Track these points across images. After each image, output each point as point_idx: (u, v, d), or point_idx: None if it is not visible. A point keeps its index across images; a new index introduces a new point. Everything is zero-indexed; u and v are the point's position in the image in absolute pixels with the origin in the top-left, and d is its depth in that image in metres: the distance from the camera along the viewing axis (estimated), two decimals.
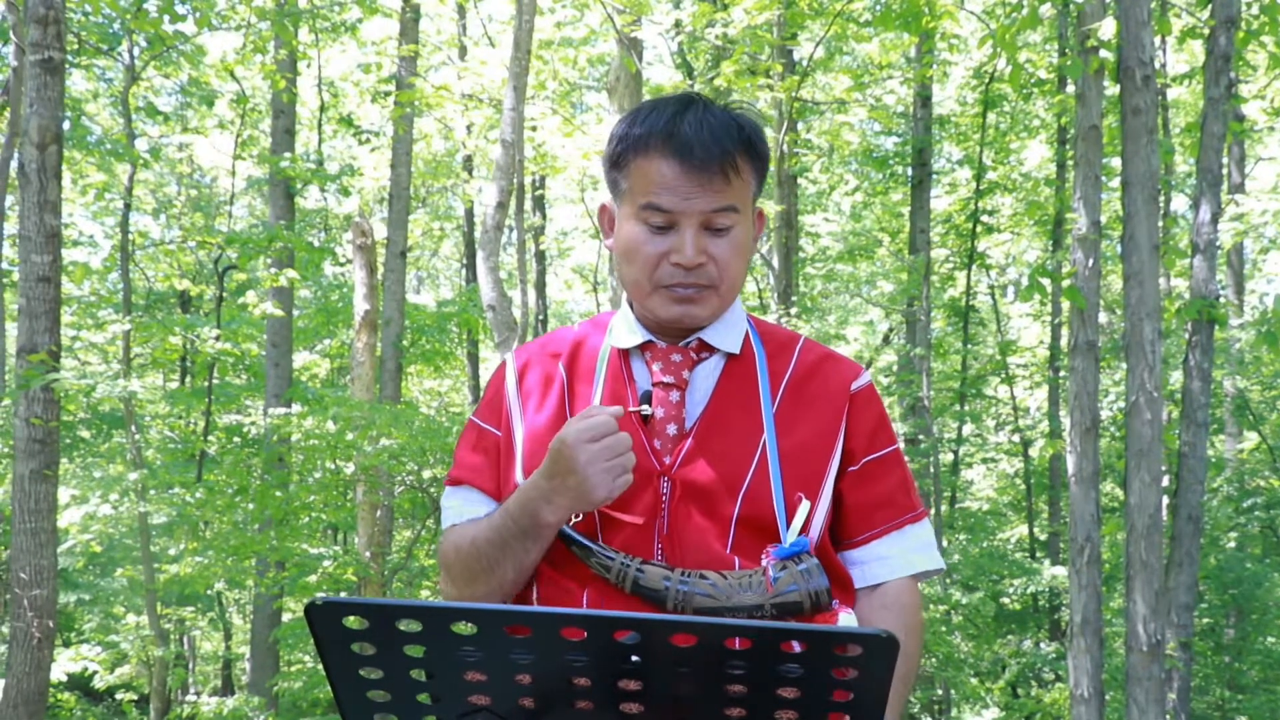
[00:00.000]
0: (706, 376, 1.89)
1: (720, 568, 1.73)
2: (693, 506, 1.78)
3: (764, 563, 1.73)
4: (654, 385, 1.87)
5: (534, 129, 9.66)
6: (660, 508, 1.78)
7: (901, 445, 1.98)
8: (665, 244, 1.82)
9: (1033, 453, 15.30)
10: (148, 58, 12.21)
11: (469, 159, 16.78)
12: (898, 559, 1.88)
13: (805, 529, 1.77)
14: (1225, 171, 10.85)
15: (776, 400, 1.87)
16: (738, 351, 1.91)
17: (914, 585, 1.90)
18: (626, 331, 1.94)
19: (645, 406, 1.84)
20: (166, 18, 8.56)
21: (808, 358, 1.94)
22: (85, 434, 15.28)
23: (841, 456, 1.87)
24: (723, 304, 1.88)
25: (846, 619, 1.74)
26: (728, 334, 1.91)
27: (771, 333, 1.98)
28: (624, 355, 1.93)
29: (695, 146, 1.78)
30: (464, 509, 1.96)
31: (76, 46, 11.89)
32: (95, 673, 12.10)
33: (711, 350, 1.91)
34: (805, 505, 1.78)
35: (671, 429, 1.83)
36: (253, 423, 14.57)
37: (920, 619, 1.89)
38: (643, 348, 1.92)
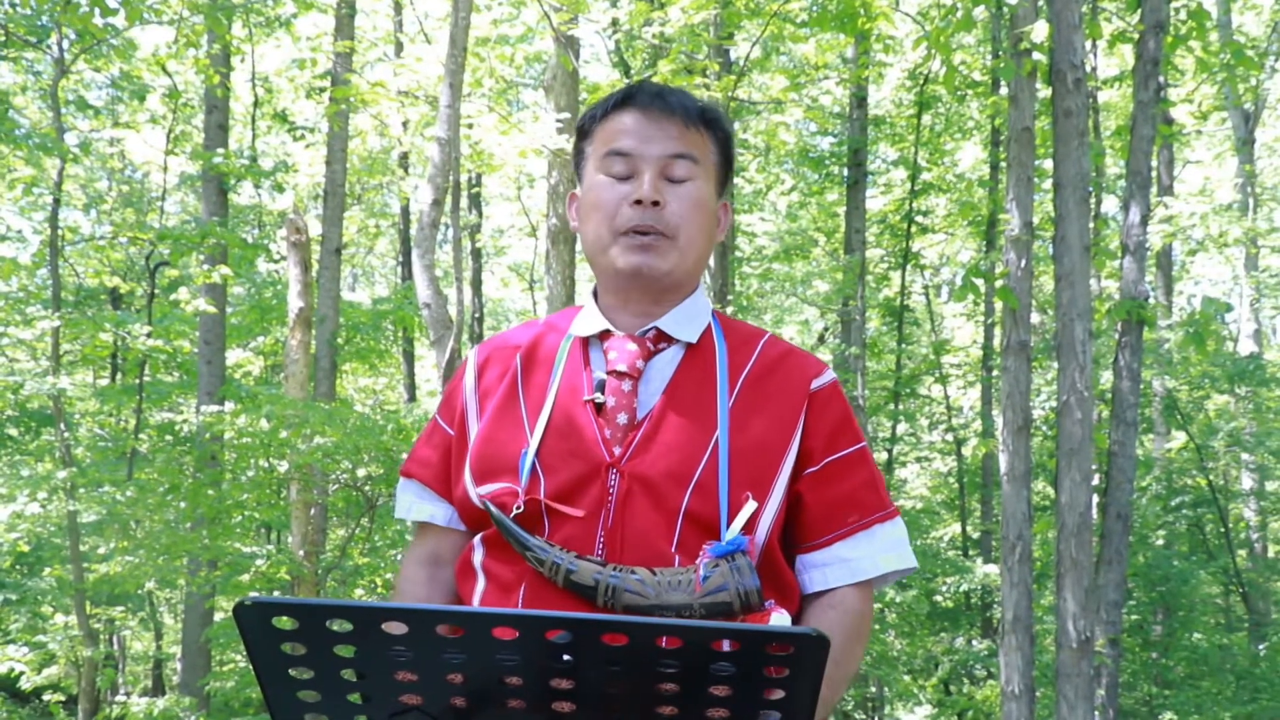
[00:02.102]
0: (663, 368, 1.88)
1: (661, 564, 1.72)
2: (640, 499, 1.76)
3: (698, 561, 1.70)
4: (607, 373, 1.86)
5: (470, 126, 9.61)
6: (607, 501, 1.76)
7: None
8: (626, 189, 1.86)
9: (966, 451, 15.43)
10: (77, 51, 12.03)
11: (405, 156, 16.70)
12: (864, 560, 1.85)
13: (750, 529, 1.75)
14: (1154, 174, 10.99)
15: (734, 395, 1.85)
16: (696, 341, 1.90)
17: (866, 591, 1.86)
18: (588, 320, 1.94)
19: (598, 395, 1.84)
20: (97, 11, 8.43)
21: (770, 353, 1.92)
22: (13, 431, 15.05)
23: (799, 457, 1.84)
24: (682, 260, 1.88)
25: (778, 619, 1.69)
26: (687, 324, 1.91)
27: (736, 328, 1.97)
28: (584, 343, 1.93)
29: (654, 100, 1.88)
30: (414, 505, 2.00)
31: (4, 39, 11.71)
32: (22, 673, 11.92)
33: (670, 341, 1.90)
34: (751, 505, 1.75)
35: (622, 418, 1.82)
36: (185, 420, 14.41)
37: (867, 626, 1.86)
38: (601, 336, 1.92)
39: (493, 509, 1.79)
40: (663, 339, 1.90)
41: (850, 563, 1.84)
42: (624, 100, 1.91)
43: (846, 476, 1.87)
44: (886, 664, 12.71)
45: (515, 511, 1.77)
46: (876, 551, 1.86)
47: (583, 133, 1.96)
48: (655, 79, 9.52)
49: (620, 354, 1.87)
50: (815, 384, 1.89)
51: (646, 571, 1.69)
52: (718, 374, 1.87)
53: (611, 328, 1.91)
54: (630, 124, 1.88)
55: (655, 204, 1.84)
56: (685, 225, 1.87)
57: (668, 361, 1.89)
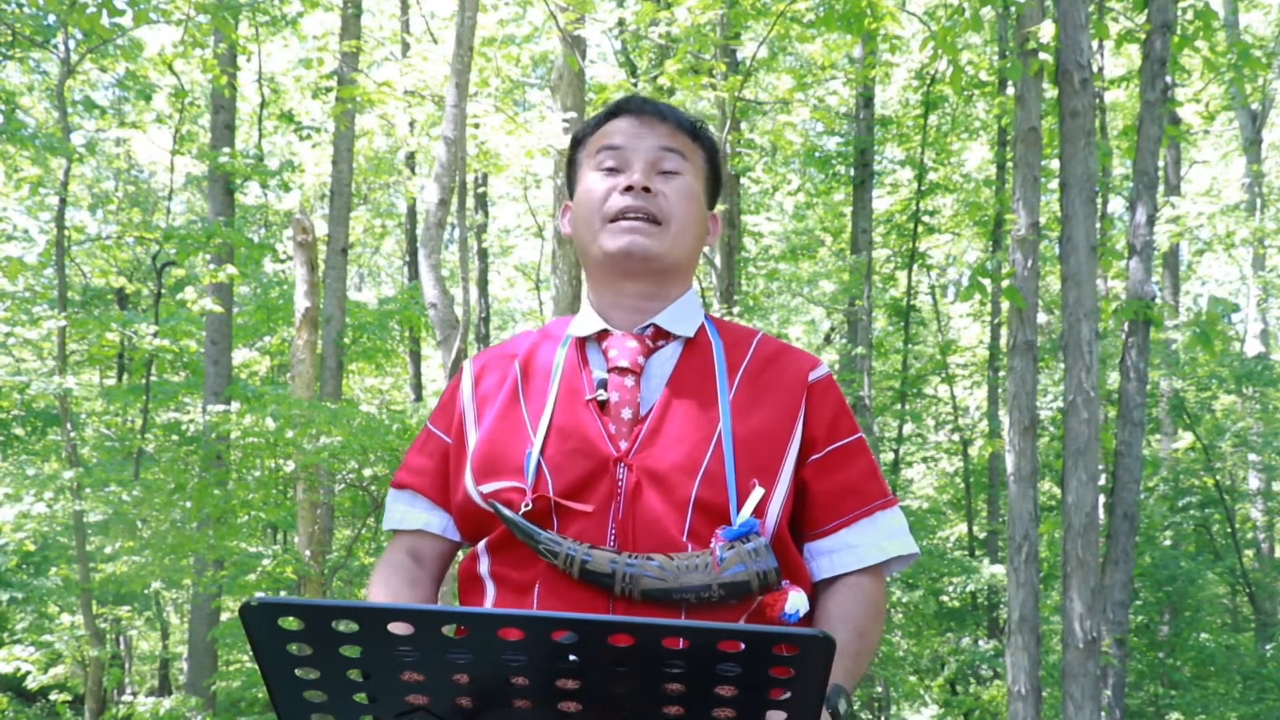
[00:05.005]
0: (663, 364, 1.90)
1: (672, 552, 1.73)
2: (650, 491, 1.77)
3: (712, 544, 1.72)
4: (609, 370, 1.88)
5: (476, 126, 9.61)
6: (616, 494, 1.77)
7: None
8: (617, 180, 1.91)
9: (972, 452, 15.42)
10: (84, 50, 12.04)
11: (411, 156, 16.73)
12: (869, 546, 1.87)
13: (759, 515, 1.76)
14: (1161, 174, 10.99)
15: (733, 387, 1.87)
16: (693, 335, 1.93)
17: (879, 576, 1.89)
18: (584, 321, 1.96)
19: (601, 391, 1.85)
20: (104, 11, 8.43)
21: (765, 349, 1.95)
22: (19, 431, 15.07)
23: (803, 445, 1.86)
24: (673, 247, 1.91)
25: (796, 598, 1.72)
26: (684, 320, 1.94)
27: (729, 327, 2.00)
28: (581, 345, 1.94)
29: (646, 106, 1.96)
30: (407, 514, 1.99)
31: (10, 38, 11.73)
32: (28, 673, 11.92)
33: (668, 337, 1.93)
34: (759, 491, 1.77)
35: (627, 413, 1.83)
36: (191, 420, 14.42)
37: (882, 606, 1.89)
38: (599, 336, 1.94)
39: (500, 507, 1.79)
40: (660, 335, 1.93)
41: (857, 549, 1.87)
42: (616, 110, 1.99)
43: (849, 464, 1.90)
44: (893, 664, 12.70)
45: (524, 509, 1.77)
46: (881, 537, 1.88)
47: (576, 145, 2.03)
48: (662, 79, 9.53)
49: (621, 351, 1.89)
50: (813, 376, 1.93)
51: (664, 557, 1.71)
52: (716, 368, 1.89)
53: (609, 327, 1.93)
54: (623, 125, 1.96)
55: (646, 190, 1.89)
56: (676, 213, 1.91)
57: (667, 358, 1.91)
